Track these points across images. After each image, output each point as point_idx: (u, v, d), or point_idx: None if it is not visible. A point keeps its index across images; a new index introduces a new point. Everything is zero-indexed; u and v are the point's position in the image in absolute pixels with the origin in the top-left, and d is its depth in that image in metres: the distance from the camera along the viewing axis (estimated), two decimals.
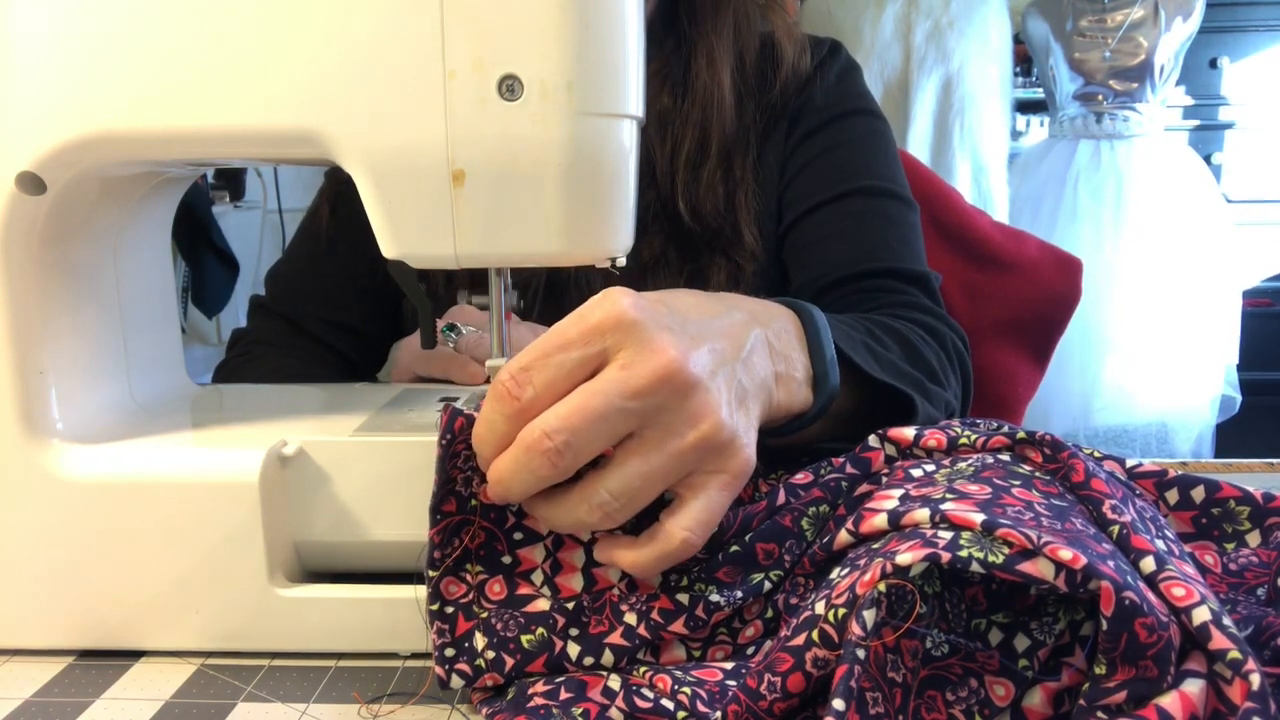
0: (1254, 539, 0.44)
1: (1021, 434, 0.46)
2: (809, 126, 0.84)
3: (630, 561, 0.42)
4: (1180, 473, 0.46)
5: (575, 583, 0.44)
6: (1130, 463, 0.47)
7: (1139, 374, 2.41)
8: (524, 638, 0.42)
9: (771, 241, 0.84)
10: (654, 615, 0.43)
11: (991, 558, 0.35)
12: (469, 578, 0.44)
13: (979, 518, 0.37)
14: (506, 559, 0.44)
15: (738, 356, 0.45)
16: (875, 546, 0.40)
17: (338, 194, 0.88)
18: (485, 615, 0.43)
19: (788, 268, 0.84)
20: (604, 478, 0.40)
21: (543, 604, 0.44)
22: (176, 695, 0.44)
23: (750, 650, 0.44)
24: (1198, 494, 0.45)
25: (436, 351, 0.68)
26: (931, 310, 0.78)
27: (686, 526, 0.41)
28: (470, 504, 0.44)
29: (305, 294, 0.89)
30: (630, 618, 0.43)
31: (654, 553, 0.42)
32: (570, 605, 0.44)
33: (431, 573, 0.43)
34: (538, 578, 0.44)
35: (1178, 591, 0.35)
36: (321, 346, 0.88)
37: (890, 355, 0.62)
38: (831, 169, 0.83)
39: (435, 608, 0.43)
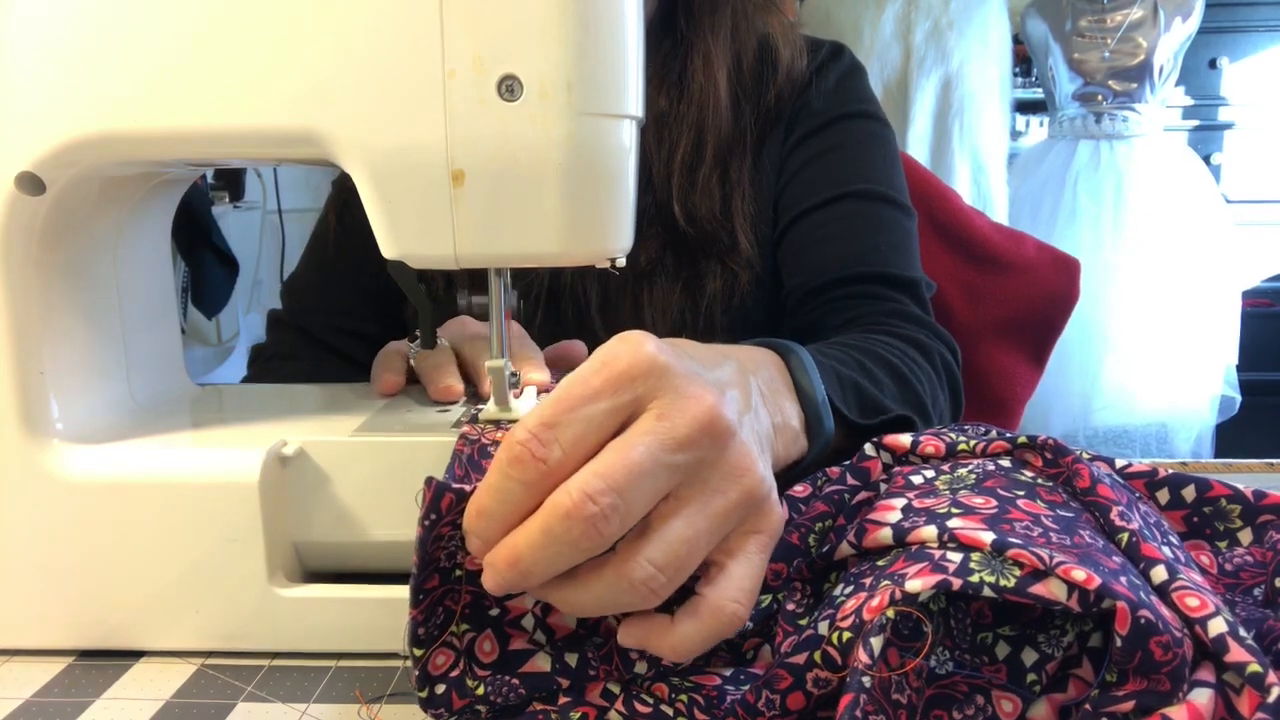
0: (1245, 536, 0.44)
1: (1022, 439, 0.45)
2: (806, 129, 0.84)
3: (671, 646, 0.37)
4: (1170, 471, 0.46)
5: (570, 620, 0.41)
6: (1120, 463, 0.46)
7: (1139, 374, 2.41)
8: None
9: (768, 248, 0.84)
10: (664, 662, 0.41)
11: (1003, 581, 0.34)
12: (456, 641, 0.39)
13: (988, 537, 0.36)
14: (494, 611, 0.40)
15: (749, 407, 0.42)
16: (881, 564, 0.39)
17: (344, 203, 0.88)
18: (481, 691, 0.39)
19: (781, 272, 0.83)
20: (644, 548, 0.35)
21: (542, 662, 0.40)
22: (176, 695, 0.44)
23: (749, 654, 0.43)
24: (1188, 493, 0.45)
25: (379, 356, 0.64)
26: (919, 319, 0.77)
27: (735, 598, 0.36)
28: (455, 574, 0.39)
29: (318, 305, 0.89)
30: (640, 666, 0.41)
31: (702, 632, 0.36)
32: (573, 659, 0.40)
33: (417, 651, 0.38)
34: (528, 623, 0.40)
35: (1191, 602, 0.34)
36: (337, 355, 0.88)
37: (881, 393, 0.60)
38: (827, 172, 0.82)
39: (425, 694, 0.38)
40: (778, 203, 0.84)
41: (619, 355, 0.36)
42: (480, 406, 0.53)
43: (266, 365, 0.88)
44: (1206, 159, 2.75)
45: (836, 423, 0.53)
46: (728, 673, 0.42)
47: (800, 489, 0.46)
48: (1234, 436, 2.54)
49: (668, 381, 0.36)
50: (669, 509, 0.36)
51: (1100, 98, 2.46)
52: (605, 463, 0.34)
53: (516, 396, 0.52)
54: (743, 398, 0.42)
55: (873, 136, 0.86)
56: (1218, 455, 2.53)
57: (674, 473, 0.35)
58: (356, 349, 0.88)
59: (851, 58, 0.89)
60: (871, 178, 0.82)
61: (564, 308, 0.82)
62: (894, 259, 0.80)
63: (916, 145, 2.37)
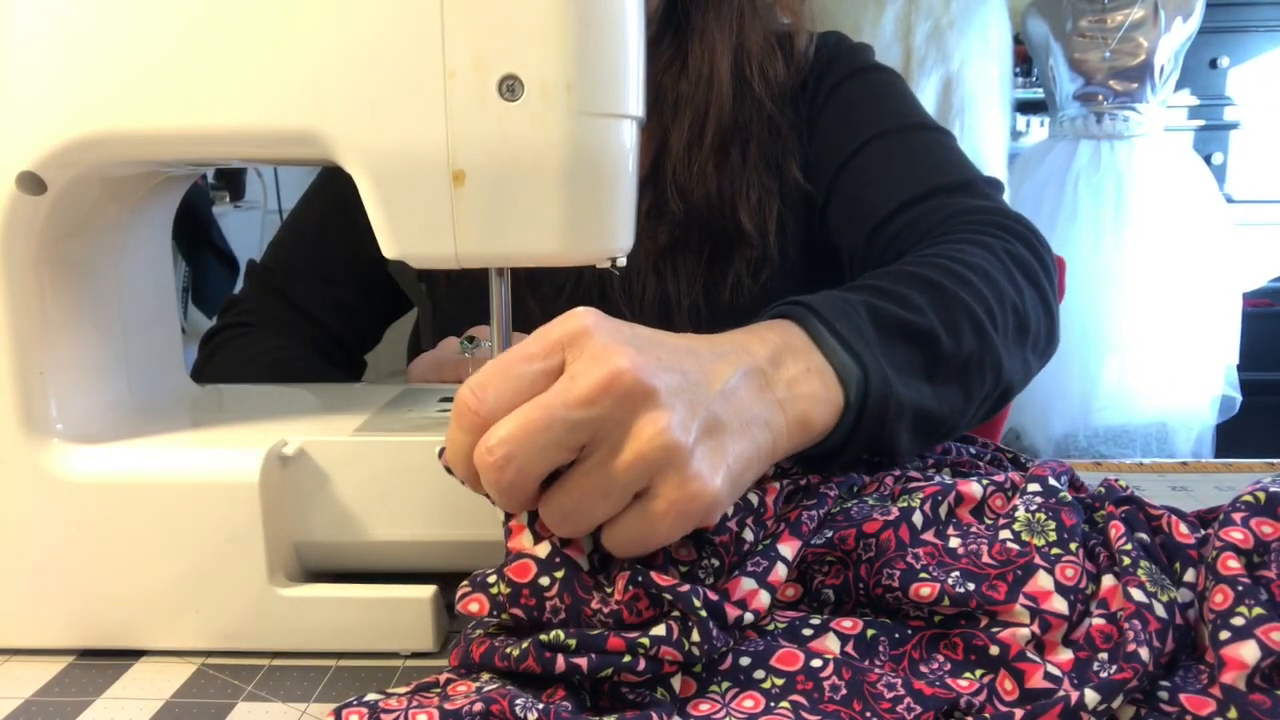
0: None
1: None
2: (823, 98, 0.85)
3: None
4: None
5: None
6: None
7: (1139, 374, 2.41)
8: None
9: (798, 237, 0.84)
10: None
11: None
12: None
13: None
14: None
15: (713, 389, 0.42)
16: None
17: (332, 178, 0.88)
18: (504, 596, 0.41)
19: (839, 235, 0.82)
20: (552, 490, 0.39)
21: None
22: (176, 695, 0.44)
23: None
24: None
25: (450, 359, 0.68)
26: (983, 210, 0.72)
27: (610, 546, 0.40)
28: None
29: (301, 268, 0.90)
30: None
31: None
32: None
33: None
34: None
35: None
36: (312, 322, 0.89)
37: (899, 310, 0.54)
38: (850, 125, 0.83)
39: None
40: (810, 176, 0.84)
41: (556, 325, 0.40)
42: None
43: (238, 322, 0.88)
44: (1209, 159, 2.75)
45: (866, 351, 0.49)
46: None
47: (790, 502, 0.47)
48: (1234, 436, 2.53)
49: (586, 345, 0.39)
50: (580, 458, 0.39)
51: (1101, 98, 2.46)
52: (512, 418, 0.38)
53: None
54: (704, 378, 0.42)
55: (884, 84, 0.86)
56: (1218, 455, 2.53)
57: (578, 429, 0.38)
58: (332, 316, 0.89)
59: (848, 38, 0.90)
60: (893, 114, 0.82)
61: (586, 283, 0.83)
62: (937, 173, 0.77)
63: None
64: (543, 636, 0.38)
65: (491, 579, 0.41)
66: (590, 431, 0.38)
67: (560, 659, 0.38)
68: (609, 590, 0.40)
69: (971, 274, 0.60)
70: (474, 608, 0.40)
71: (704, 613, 0.39)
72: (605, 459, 0.38)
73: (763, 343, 0.47)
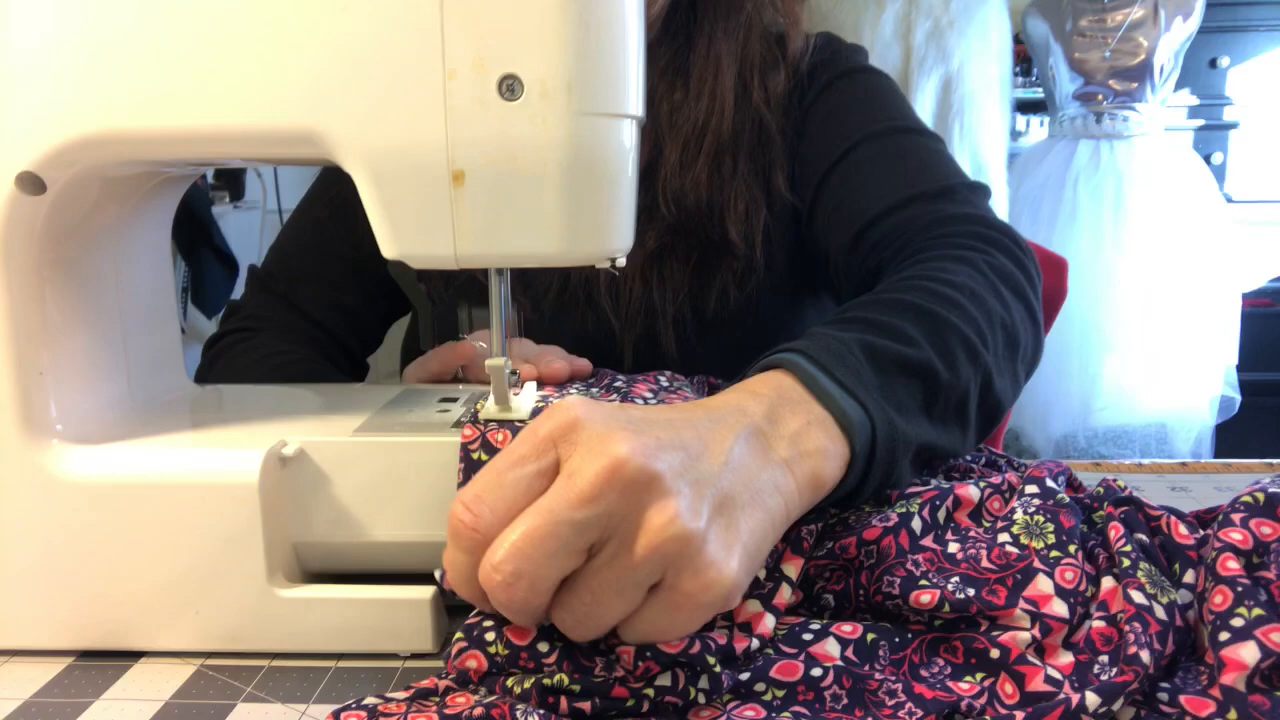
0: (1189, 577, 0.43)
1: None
2: (809, 103, 0.85)
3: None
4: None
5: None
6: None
7: (1139, 374, 2.41)
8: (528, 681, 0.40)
9: (785, 245, 0.84)
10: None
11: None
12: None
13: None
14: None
15: (717, 460, 0.40)
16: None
17: (333, 180, 0.88)
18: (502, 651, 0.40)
19: (826, 240, 0.82)
20: (562, 594, 0.38)
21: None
22: (176, 695, 0.44)
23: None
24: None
25: (435, 351, 0.68)
26: (961, 217, 0.71)
27: (626, 642, 0.38)
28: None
29: (303, 272, 0.90)
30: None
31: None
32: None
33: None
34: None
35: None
36: (314, 325, 0.89)
37: (894, 345, 0.52)
38: (837, 129, 0.82)
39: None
40: (798, 181, 0.84)
41: (544, 420, 0.38)
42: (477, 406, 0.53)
43: (242, 327, 0.88)
44: (1209, 159, 2.75)
45: (868, 396, 0.48)
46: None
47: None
48: (1234, 437, 2.53)
49: (580, 437, 0.37)
50: (590, 557, 0.37)
51: (1101, 97, 2.46)
52: (514, 530, 0.36)
53: (516, 394, 0.52)
54: (707, 453, 0.40)
55: (872, 86, 0.86)
56: (1218, 455, 2.53)
57: (584, 528, 0.36)
58: (336, 319, 0.89)
59: (839, 38, 0.90)
60: (879, 117, 0.82)
61: (573, 287, 0.83)
62: (919, 179, 0.77)
63: None
64: (545, 681, 0.38)
65: (490, 636, 0.40)
66: (599, 529, 0.36)
67: (564, 701, 0.38)
68: (613, 657, 0.39)
69: (960, 295, 0.59)
70: (471, 664, 0.39)
71: (719, 668, 0.38)
72: (616, 555, 0.36)
73: (757, 399, 0.45)
